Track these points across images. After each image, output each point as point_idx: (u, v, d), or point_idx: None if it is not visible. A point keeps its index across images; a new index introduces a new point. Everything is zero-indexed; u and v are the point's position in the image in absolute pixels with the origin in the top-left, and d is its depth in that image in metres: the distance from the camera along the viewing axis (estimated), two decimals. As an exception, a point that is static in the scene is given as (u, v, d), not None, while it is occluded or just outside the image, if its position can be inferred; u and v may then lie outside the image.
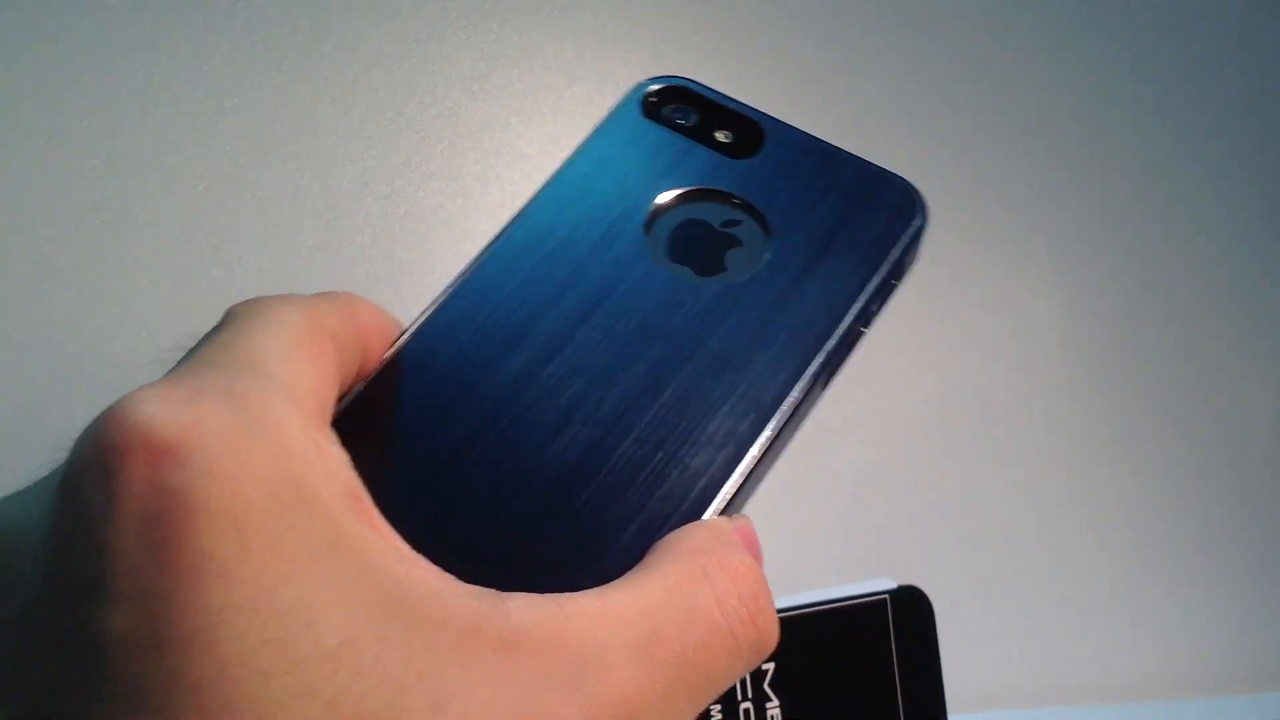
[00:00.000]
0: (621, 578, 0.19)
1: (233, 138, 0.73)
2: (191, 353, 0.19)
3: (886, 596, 0.33)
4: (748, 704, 0.32)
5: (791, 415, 0.25)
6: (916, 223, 0.30)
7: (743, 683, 0.32)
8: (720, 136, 0.29)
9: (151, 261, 0.71)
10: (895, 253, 0.29)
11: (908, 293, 0.93)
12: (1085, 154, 0.89)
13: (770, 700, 0.32)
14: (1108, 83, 0.90)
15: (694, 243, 0.26)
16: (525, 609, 0.17)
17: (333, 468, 0.16)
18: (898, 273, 0.30)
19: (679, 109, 0.29)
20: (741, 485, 0.24)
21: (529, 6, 0.79)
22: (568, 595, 0.18)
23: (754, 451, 0.24)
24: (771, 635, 0.20)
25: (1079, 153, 0.89)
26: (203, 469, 0.14)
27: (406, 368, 0.23)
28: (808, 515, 0.79)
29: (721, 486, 0.23)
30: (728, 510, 0.23)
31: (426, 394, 0.22)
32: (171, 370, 0.19)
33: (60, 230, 0.70)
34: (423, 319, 0.25)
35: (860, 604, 0.33)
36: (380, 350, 0.24)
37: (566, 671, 0.16)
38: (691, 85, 0.30)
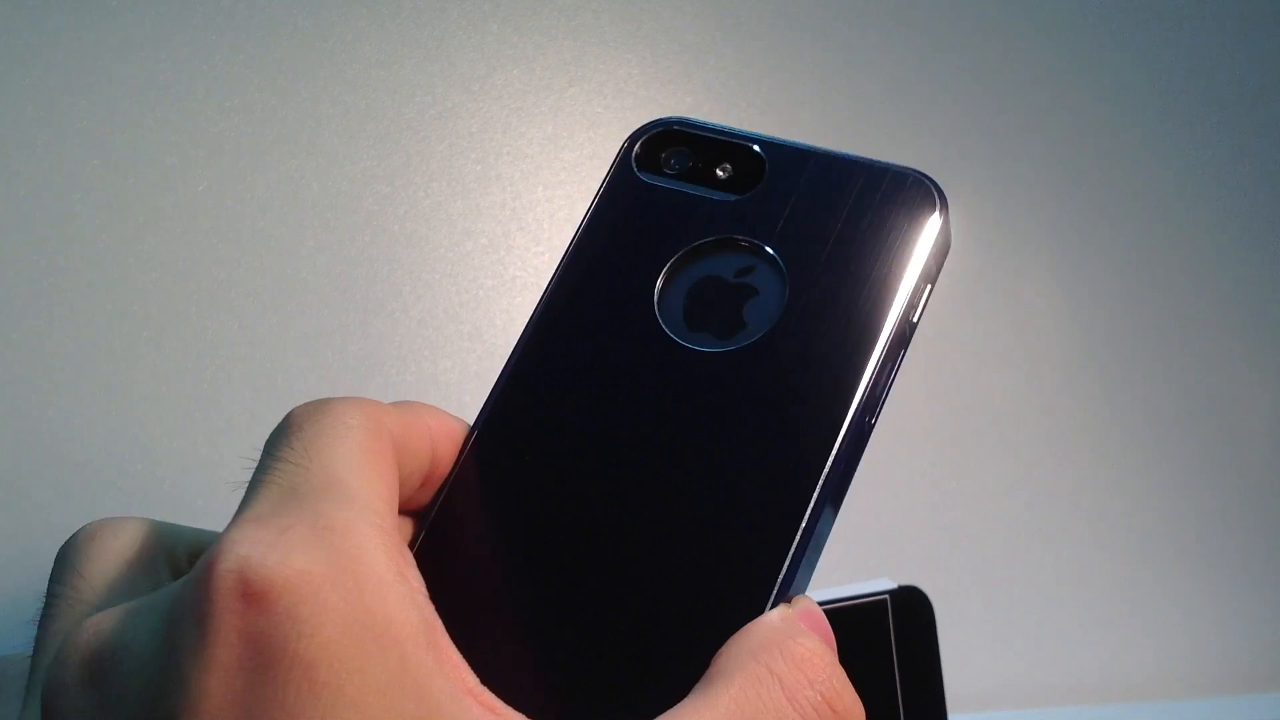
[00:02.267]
0: (689, 696, 0.19)
1: (233, 138, 0.73)
2: (267, 472, 0.21)
3: (886, 596, 0.33)
4: (748, 704, 0.32)
5: (836, 472, 0.23)
6: (934, 219, 0.28)
7: (743, 683, 0.32)
8: (720, 173, 0.28)
9: (151, 261, 0.71)
10: (920, 259, 0.28)
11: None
12: (1085, 154, 0.89)
13: (770, 700, 0.32)
14: (1108, 83, 0.90)
15: (708, 305, 0.25)
16: None
17: (413, 598, 0.17)
18: (930, 275, 0.28)
19: (673, 154, 0.27)
20: (794, 565, 0.22)
21: (529, 7, 0.79)
22: None
23: (804, 524, 0.22)
24: (855, 713, 0.20)
25: (1079, 153, 0.89)
26: (287, 614, 0.16)
27: (471, 488, 0.23)
28: (808, 515, 0.79)
29: (777, 574, 0.22)
30: (786, 593, 0.22)
31: (491, 515, 0.22)
32: (252, 497, 0.21)
33: (60, 230, 0.70)
34: (478, 432, 0.25)
35: (860, 604, 0.33)
36: (449, 455, 0.24)
37: None
38: (681, 126, 0.28)
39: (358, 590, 0.16)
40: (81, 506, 0.68)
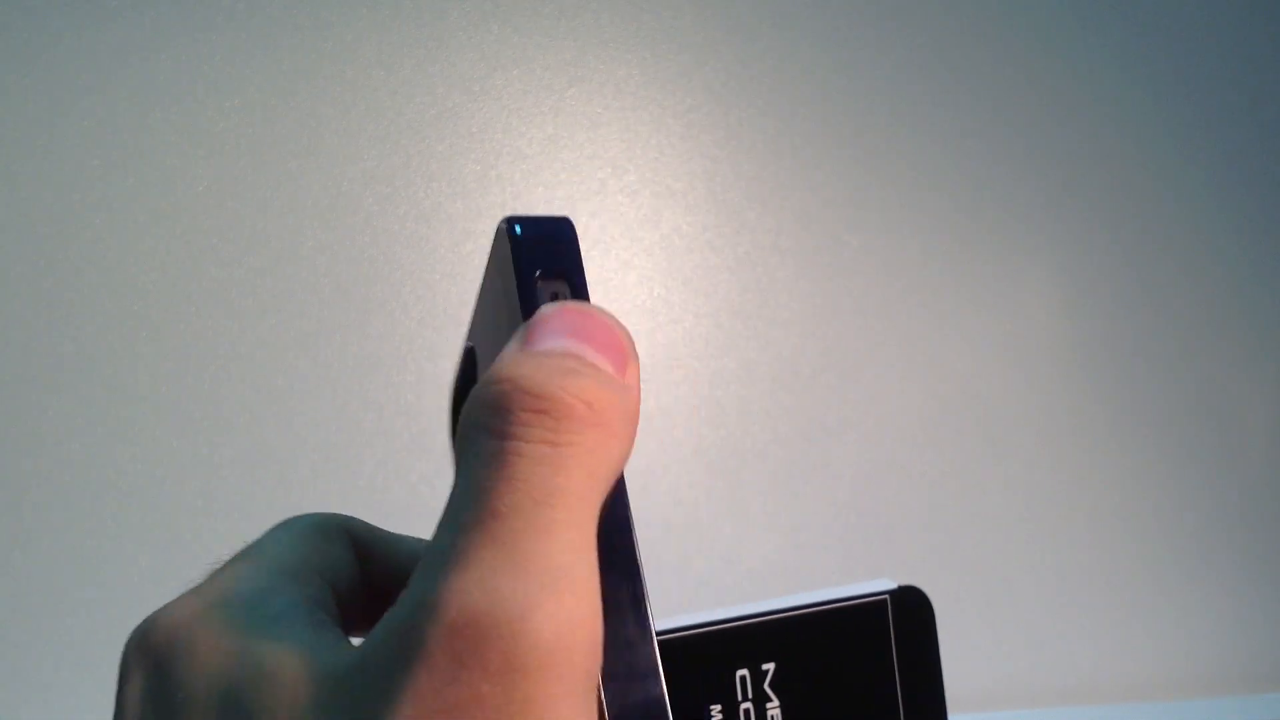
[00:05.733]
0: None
1: (233, 138, 0.73)
2: None
3: (886, 596, 0.33)
4: (748, 704, 0.32)
5: None
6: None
7: (743, 682, 0.33)
8: None
9: (151, 261, 0.71)
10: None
11: (907, 293, 0.93)
12: (1085, 155, 0.89)
13: (770, 700, 0.32)
14: (1107, 84, 0.90)
15: None
16: None
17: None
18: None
19: None
20: None
21: (529, 7, 0.79)
22: None
23: None
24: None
25: (1078, 154, 0.89)
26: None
27: None
28: (807, 515, 0.79)
29: None
30: None
31: None
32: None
33: (60, 230, 0.70)
34: None
35: (860, 604, 0.33)
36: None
37: None
38: None
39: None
40: (82, 506, 0.68)
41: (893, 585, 0.33)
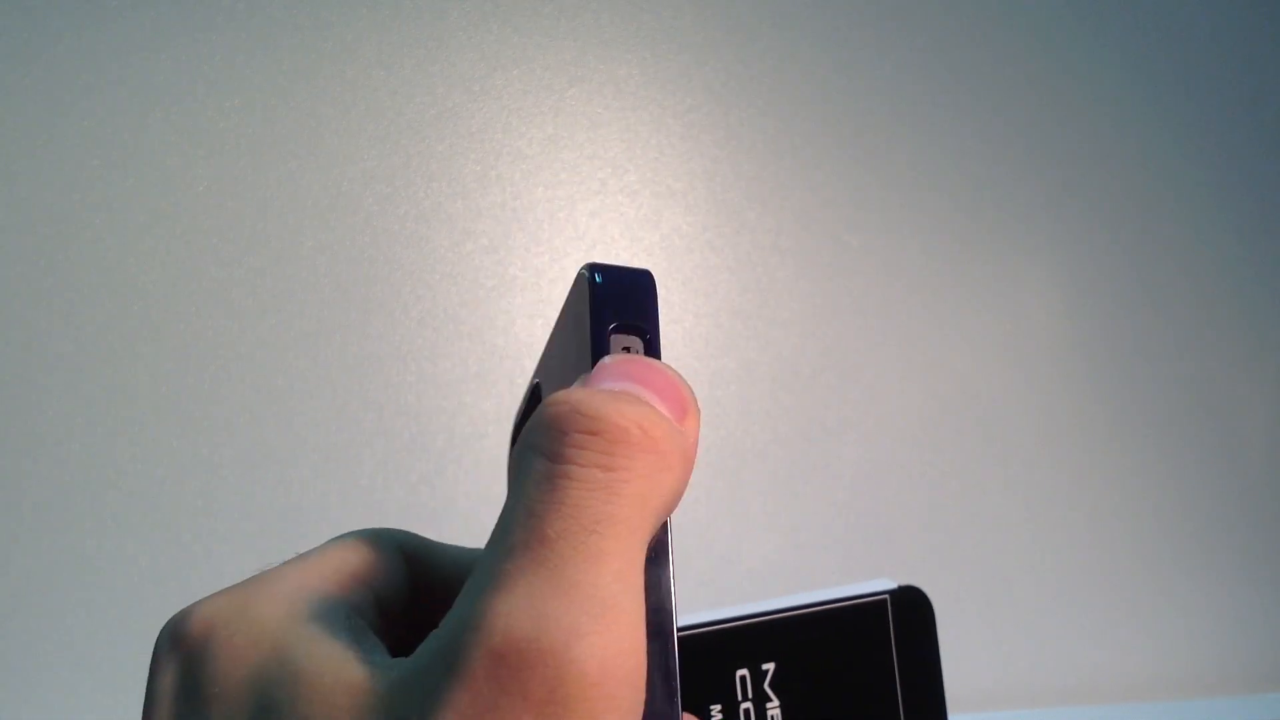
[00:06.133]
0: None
1: (233, 138, 0.73)
2: None
3: (886, 596, 0.33)
4: (748, 704, 0.32)
5: None
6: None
7: (743, 682, 0.33)
8: None
9: (151, 261, 0.71)
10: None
11: (907, 293, 0.93)
12: (1084, 155, 0.89)
13: (770, 700, 0.32)
14: (1107, 84, 0.90)
15: None
16: None
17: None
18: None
19: None
20: None
21: (529, 7, 0.79)
22: None
23: None
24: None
25: (1078, 154, 0.89)
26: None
27: None
28: (807, 515, 0.79)
29: None
30: None
31: None
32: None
33: (60, 230, 0.70)
34: None
35: (860, 604, 0.33)
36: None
37: None
38: None
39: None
40: (82, 506, 0.68)
41: (893, 585, 0.33)
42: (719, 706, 0.32)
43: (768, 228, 0.81)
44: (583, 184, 0.78)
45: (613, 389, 0.18)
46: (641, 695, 0.16)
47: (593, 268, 0.20)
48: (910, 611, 0.33)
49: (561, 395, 0.18)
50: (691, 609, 0.33)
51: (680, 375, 0.20)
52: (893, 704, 0.33)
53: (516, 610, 0.15)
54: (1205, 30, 0.93)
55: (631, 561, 0.17)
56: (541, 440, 0.17)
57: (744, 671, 0.32)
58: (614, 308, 0.20)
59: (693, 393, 0.20)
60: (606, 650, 0.15)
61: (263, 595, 0.19)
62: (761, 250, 0.80)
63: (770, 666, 0.32)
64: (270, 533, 0.69)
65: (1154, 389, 0.88)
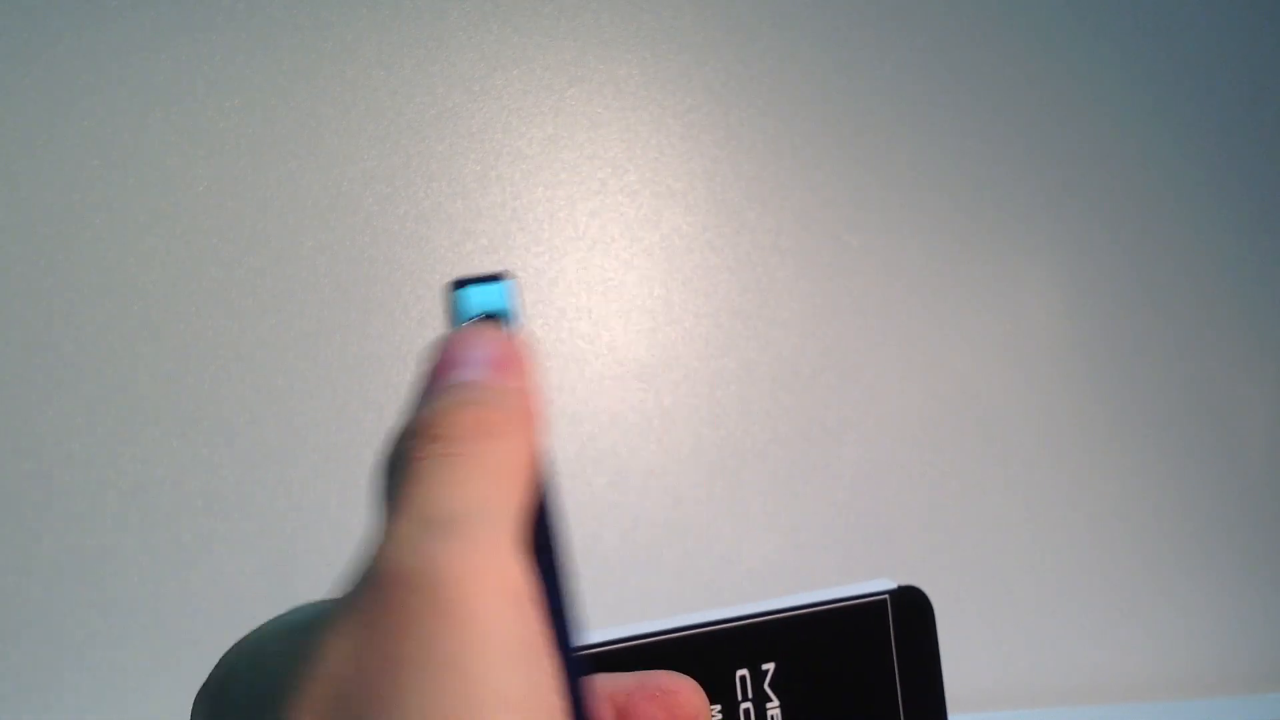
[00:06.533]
0: None
1: (233, 138, 0.73)
2: None
3: (886, 596, 0.33)
4: (748, 704, 0.32)
5: None
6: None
7: (743, 682, 0.33)
8: None
9: (151, 261, 0.71)
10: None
11: (907, 293, 0.93)
12: (1084, 155, 0.89)
13: (770, 700, 0.32)
14: (1107, 84, 0.90)
15: None
16: None
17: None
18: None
19: None
20: None
21: (529, 7, 0.79)
22: None
23: None
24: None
25: (1078, 154, 0.89)
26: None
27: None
28: (807, 515, 0.79)
29: None
30: None
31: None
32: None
33: (60, 230, 0.70)
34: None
35: (860, 604, 0.33)
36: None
37: None
38: None
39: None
40: (82, 506, 0.68)
41: (893, 585, 0.33)
42: (719, 707, 0.32)
43: (768, 228, 0.81)
44: (583, 184, 0.78)
45: (425, 392, 0.21)
46: (524, 589, 0.18)
47: (454, 283, 0.23)
48: (910, 611, 0.33)
49: (395, 428, 0.20)
50: (691, 609, 0.33)
51: (504, 332, 0.22)
52: (893, 704, 0.33)
53: (389, 552, 0.17)
54: (1205, 30, 0.93)
55: (492, 506, 0.19)
56: (389, 458, 0.20)
57: (744, 671, 0.32)
58: (466, 318, 0.22)
59: (519, 343, 0.22)
60: (465, 556, 0.17)
61: (269, 624, 0.21)
62: (761, 250, 0.80)
63: (770, 666, 0.32)
64: (270, 533, 0.69)
65: (1154, 389, 0.88)
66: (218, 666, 0.21)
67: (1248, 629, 0.88)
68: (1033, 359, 0.86)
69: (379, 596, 0.17)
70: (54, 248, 0.69)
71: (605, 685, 0.24)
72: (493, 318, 0.22)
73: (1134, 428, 0.88)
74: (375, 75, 0.75)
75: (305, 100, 0.74)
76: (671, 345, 0.78)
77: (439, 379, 0.21)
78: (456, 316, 0.22)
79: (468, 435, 0.20)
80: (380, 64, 0.75)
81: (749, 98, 0.82)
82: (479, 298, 0.22)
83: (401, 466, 0.19)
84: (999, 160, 0.87)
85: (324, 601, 0.22)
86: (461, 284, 0.22)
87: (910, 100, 0.85)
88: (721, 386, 0.79)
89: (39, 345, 0.68)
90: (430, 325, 0.74)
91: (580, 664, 0.19)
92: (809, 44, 0.84)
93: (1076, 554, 0.85)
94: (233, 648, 0.21)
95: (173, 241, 0.71)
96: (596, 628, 0.28)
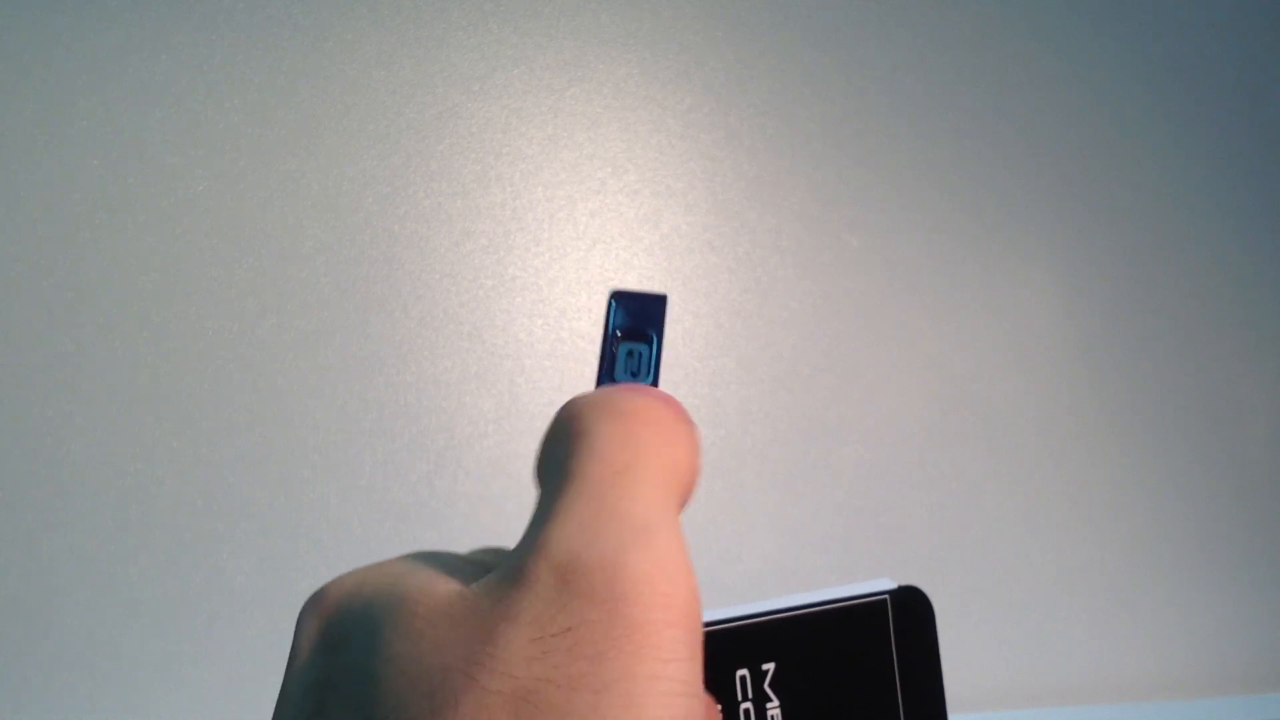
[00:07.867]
0: None
1: (233, 138, 0.73)
2: None
3: (886, 596, 0.33)
4: (748, 704, 0.32)
5: None
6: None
7: (743, 682, 0.33)
8: None
9: (151, 261, 0.71)
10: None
11: (907, 293, 0.93)
12: (1084, 155, 0.89)
13: (770, 700, 0.32)
14: (1107, 84, 0.90)
15: None
16: None
17: None
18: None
19: None
20: None
21: (529, 7, 0.79)
22: None
23: None
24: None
25: (1078, 154, 0.89)
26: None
27: None
28: (807, 515, 0.79)
29: None
30: None
31: None
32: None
33: (61, 230, 0.69)
34: None
35: (860, 604, 0.33)
36: None
37: None
38: None
39: None
40: (82, 506, 0.68)
41: (893, 585, 0.33)
42: (719, 707, 0.32)
43: (768, 228, 0.81)
44: (583, 184, 0.78)
45: (619, 388, 0.22)
46: (695, 605, 0.18)
47: (613, 293, 0.25)
48: (910, 611, 0.33)
49: (578, 395, 0.21)
50: (691, 609, 0.33)
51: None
52: (893, 704, 0.33)
53: (570, 534, 0.18)
54: (1205, 30, 0.93)
55: (661, 503, 0.19)
56: (565, 423, 0.20)
57: (744, 671, 0.32)
58: (619, 325, 0.24)
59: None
60: (654, 562, 0.18)
61: (383, 565, 0.21)
62: (761, 250, 0.80)
63: (770, 666, 0.32)
64: (270, 532, 0.69)
65: (1154, 389, 0.88)
66: (338, 591, 0.20)
67: (1248, 629, 0.88)
68: (1033, 359, 0.86)
69: (569, 601, 0.17)
70: (54, 248, 0.69)
71: None
72: (640, 332, 0.24)
73: (1134, 428, 0.88)
74: (375, 75, 0.75)
75: (305, 100, 0.74)
76: (671, 345, 0.78)
77: (621, 389, 0.22)
78: (609, 324, 0.24)
79: (641, 422, 0.20)
80: (380, 64, 0.75)
81: (749, 98, 0.82)
82: (633, 311, 0.24)
83: (574, 429, 0.20)
84: (999, 161, 0.87)
85: (468, 559, 0.22)
86: (619, 296, 0.24)
87: (910, 101, 0.85)
88: (721, 386, 0.79)
89: (39, 345, 0.68)
90: (430, 325, 0.74)
91: None
92: (809, 44, 0.84)
93: (1076, 554, 0.85)
94: (354, 582, 0.20)
95: (173, 241, 0.71)
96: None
